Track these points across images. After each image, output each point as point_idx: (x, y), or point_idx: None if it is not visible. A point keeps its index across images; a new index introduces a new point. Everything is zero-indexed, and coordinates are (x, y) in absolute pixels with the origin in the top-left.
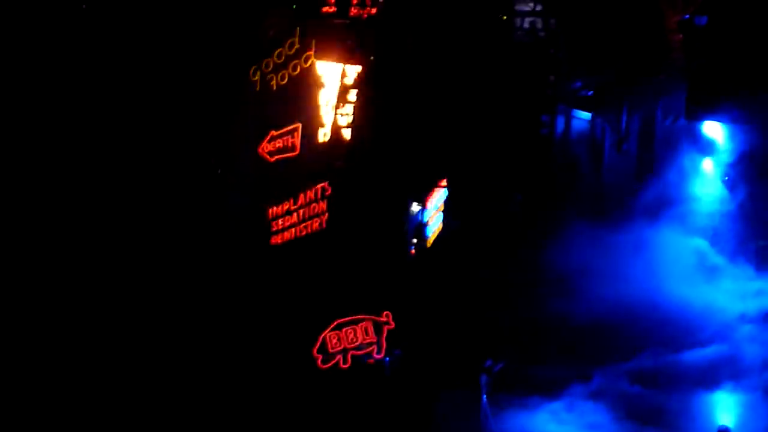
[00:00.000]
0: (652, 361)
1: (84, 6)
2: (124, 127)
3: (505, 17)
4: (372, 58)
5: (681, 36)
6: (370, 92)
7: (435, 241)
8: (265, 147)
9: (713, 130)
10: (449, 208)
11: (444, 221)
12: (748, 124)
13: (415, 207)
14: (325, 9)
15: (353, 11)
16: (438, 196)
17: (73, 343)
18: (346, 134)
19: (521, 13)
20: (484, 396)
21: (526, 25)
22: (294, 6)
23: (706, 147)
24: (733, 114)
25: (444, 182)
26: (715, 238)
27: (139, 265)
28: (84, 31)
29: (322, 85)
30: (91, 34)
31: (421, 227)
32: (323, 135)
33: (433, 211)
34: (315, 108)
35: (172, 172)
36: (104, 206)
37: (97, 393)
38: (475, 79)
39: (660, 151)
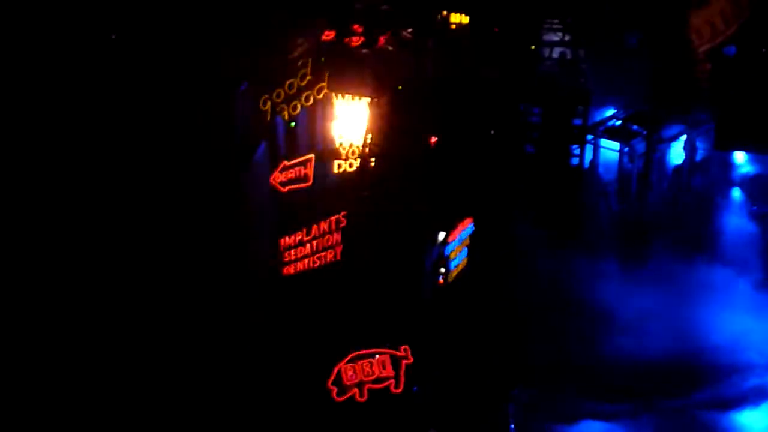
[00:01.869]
0: (714, 392)
1: (113, 36)
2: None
3: (533, 47)
4: (390, 90)
5: (709, 66)
6: (389, 125)
7: (459, 274)
8: (277, 177)
9: (741, 160)
10: (475, 241)
11: (469, 256)
12: None
13: (440, 239)
14: (349, 40)
15: (381, 41)
16: (463, 231)
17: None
18: (364, 166)
19: (549, 44)
20: (512, 426)
21: (555, 55)
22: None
23: (734, 177)
24: (763, 144)
25: (470, 218)
26: (743, 268)
27: (159, 292)
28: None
29: (335, 117)
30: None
31: (443, 261)
32: (337, 166)
33: (457, 245)
34: (329, 139)
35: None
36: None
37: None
38: (501, 110)
39: (689, 181)
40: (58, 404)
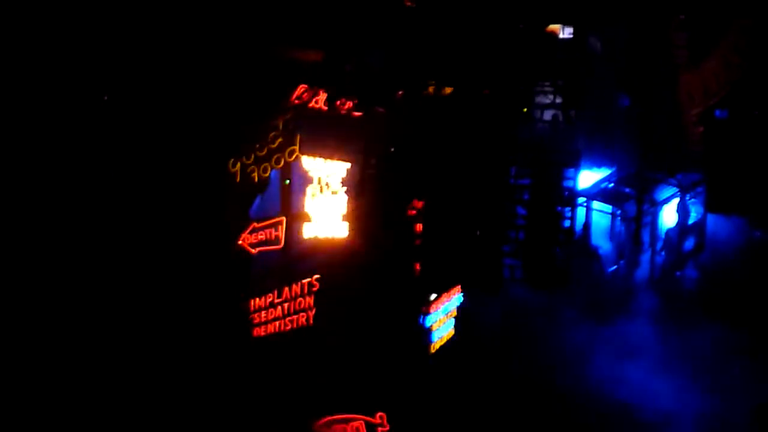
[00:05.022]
0: None
1: (106, 98)
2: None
3: (525, 110)
4: (371, 153)
5: (702, 128)
6: (369, 189)
7: (446, 346)
8: (247, 238)
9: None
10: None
11: (456, 327)
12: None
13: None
14: (312, 105)
15: (342, 107)
16: (448, 302)
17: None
18: (339, 231)
19: (540, 106)
20: None
21: (546, 117)
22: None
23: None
24: (756, 208)
25: (457, 287)
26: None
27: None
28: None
29: (308, 180)
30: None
31: (423, 332)
32: (310, 230)
33: (441, 316)
34: (301, 202)
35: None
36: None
37: None
38: (489, 173)
39: (680, 244)
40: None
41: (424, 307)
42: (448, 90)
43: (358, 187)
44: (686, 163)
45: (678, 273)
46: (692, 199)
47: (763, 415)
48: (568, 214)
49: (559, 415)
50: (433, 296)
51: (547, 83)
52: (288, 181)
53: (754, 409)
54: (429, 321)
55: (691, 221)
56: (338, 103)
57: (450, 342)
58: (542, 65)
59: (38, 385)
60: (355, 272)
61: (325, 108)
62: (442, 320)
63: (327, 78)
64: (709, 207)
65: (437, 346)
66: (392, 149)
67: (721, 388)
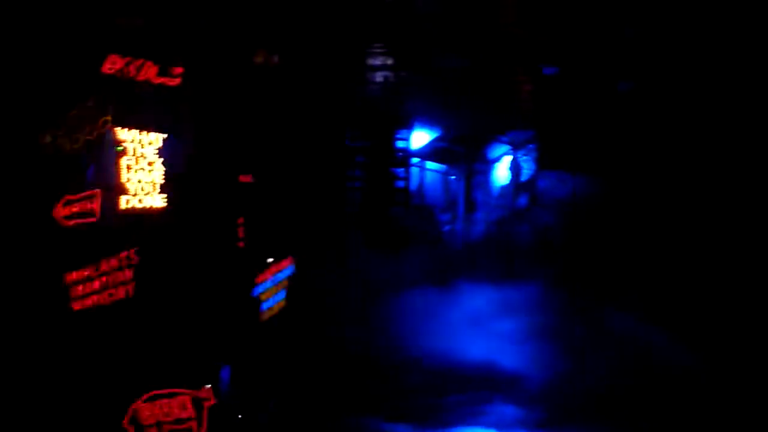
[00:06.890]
0: None
1: None
2: None
3: (357, 72)
4: (194, 124)
5: (530, 87)
6: (190, 160)
7: (278, 315)
8: (60, 211)
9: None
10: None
11: (288, 297)
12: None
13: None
14: (131, 73)
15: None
16: (278, 273)
17: None
18: (156, 202)
19: (373, 68)
20: None
21: (378, 79)
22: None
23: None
24: (582, 164)
25: (288, 259)
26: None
27: None
28: None
29: (123, 151)
30: None
31: (252, 302)
32: (126, 202)
33: (270, 286)
34: (116, 174)
35: None
36: None
37: None
38: (323, 139)
39: (514, 201)
40: None
41: (253, 278)
42: (276, 58)
43: (177, 158)
44: (517, 121)
45: (512, 229)
46: (524, 157)
47: None
48: (403, 175)
49: (388, 376)
50: (269, 262)
51: (378, 45)
52: (121, 148)
53: None
54: (258, 291)
55: (523, 178)
56: (158, 69)
57: (282, 312)
58: (370, 27)
59: None
60: (177, 244)
61: (143, 77)
62: (272, 290)
63: (149, 45)
64: (539, 164)
65: (268, 316)
66: (217, 118)
67: (555, 343)
